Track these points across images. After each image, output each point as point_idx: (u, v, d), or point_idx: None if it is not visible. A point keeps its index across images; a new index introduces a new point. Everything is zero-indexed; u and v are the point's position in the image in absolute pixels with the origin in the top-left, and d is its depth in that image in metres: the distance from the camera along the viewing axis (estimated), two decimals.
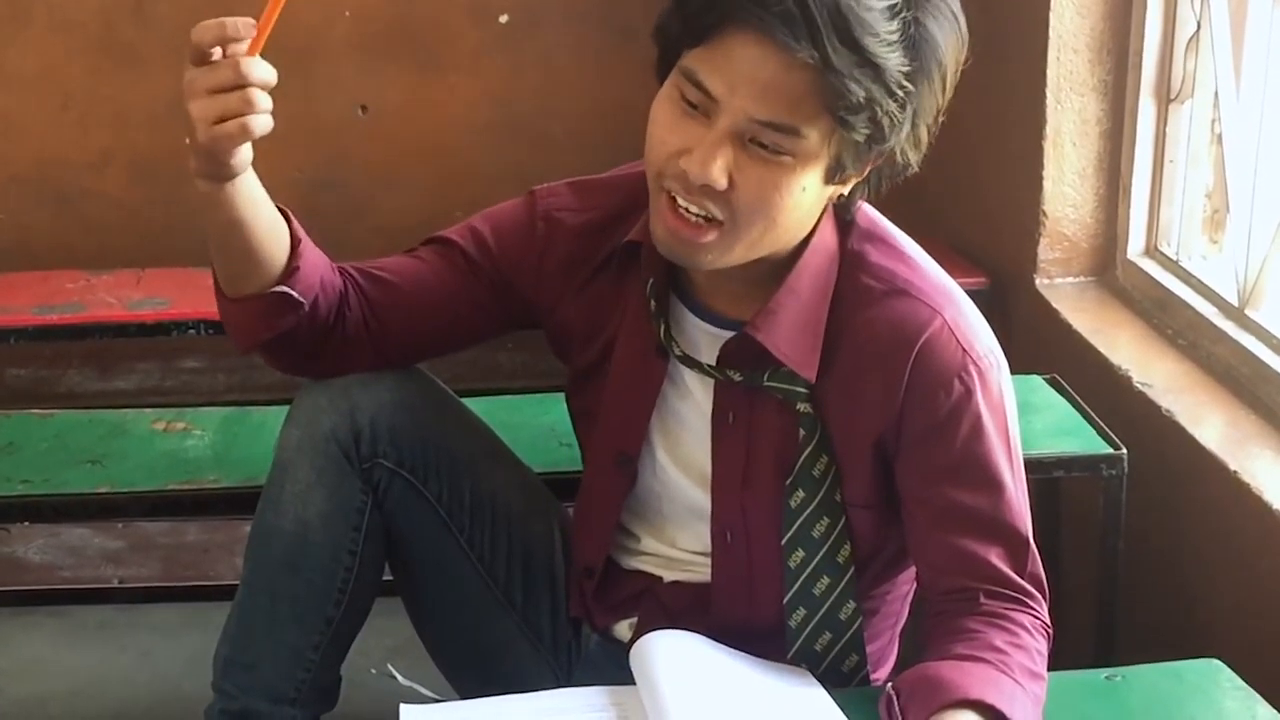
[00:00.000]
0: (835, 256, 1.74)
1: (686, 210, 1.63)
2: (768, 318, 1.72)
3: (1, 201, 3.66)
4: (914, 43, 1.58)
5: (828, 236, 1.74)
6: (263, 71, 1.54)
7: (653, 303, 1.79)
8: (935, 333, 1.71)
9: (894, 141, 1.62)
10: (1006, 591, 1.71)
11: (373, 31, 3.64)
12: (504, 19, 3.67)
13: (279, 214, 1.74)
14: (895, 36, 1.56)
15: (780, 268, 1.72)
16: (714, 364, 1.78)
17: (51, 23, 3.58)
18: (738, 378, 1.76)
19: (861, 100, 1.55)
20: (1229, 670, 1.81)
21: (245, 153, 1.61)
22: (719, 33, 1.56)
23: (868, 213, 1.78)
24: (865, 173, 1.67)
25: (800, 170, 1.61)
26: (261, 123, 1.55)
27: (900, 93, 1.58)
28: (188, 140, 1.57)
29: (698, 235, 1.63)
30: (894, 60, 1.56)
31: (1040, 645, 1.70)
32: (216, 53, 1.53)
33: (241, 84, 1.53)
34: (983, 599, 1.70)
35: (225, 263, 1.74)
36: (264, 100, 1.54)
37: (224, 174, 1.61)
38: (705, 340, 1.79)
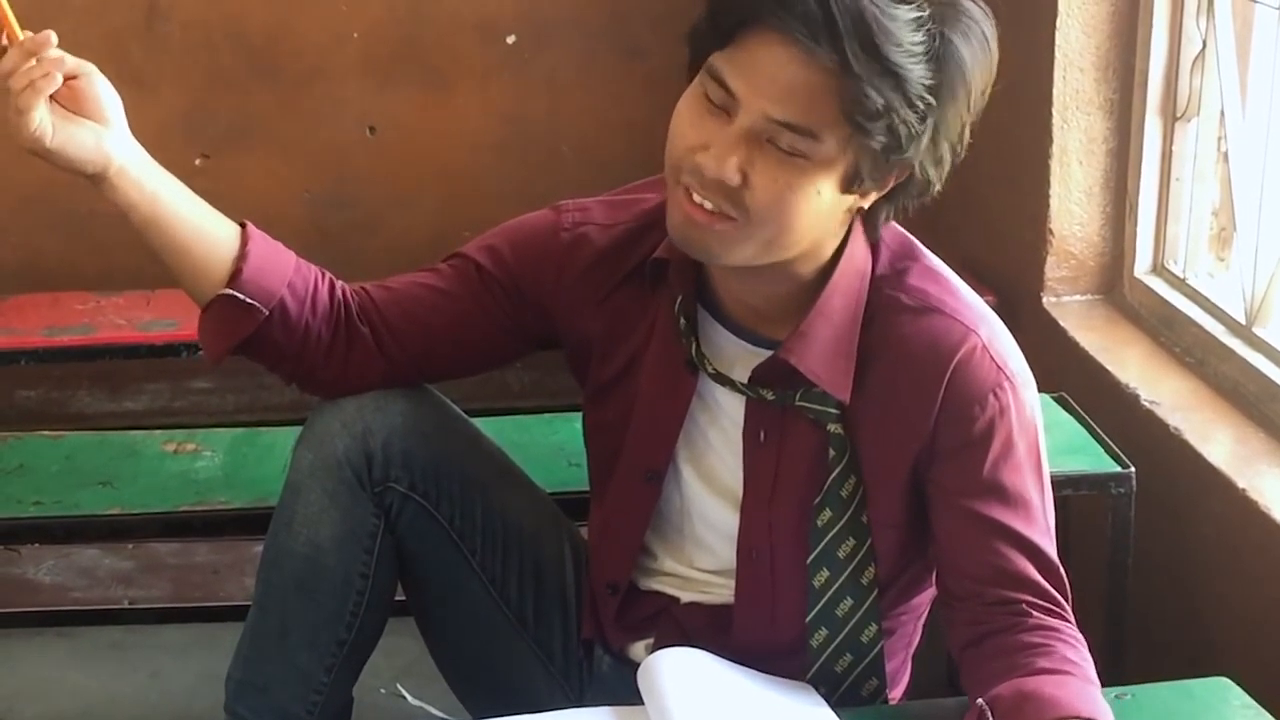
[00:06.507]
0: (866, 276, 1.74)
1: (702, 204, 1.63)
2: (800, 340, 1.72)
3: (11, 223, 3.66)
4: (939, 57, 1.59)
5: (858, 256, 1.74)
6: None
7: (682, 320, 1.79)
8: (971, 349, 1.72)
9: (912, 153, 1.62)
10: (1051, 606, 1.71)
11: (381, 52, 3.65)
12: (511, 39, 3.68)
13: (221, 221, 1.79)
14: (919, 49, 1.57)
15: (811, 288, 1.73)
16: (746, 382, 1.78)
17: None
18: (770, 396, 1.76)
19: (879, 108, 1.56)
20: (1238, 688, 1.82)
21: (80, 146, 1.71)
22: (744, 33, 1.58)
23: (900, 233, 1.79)
24: (887, 188, 1.67)
25: (816, 174, 1.61)
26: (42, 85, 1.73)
27: (921, 105, 1.58)
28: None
29: (711, 222, 1.63)
30: (916, 72, 1.57)
31: (1089, 655, 1.71)
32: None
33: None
34: (1034, 612, 1.70)
35: (171, 272, 1.79)
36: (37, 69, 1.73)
37: (74, 167, 1.70)
38: (739, 357, 1.79)
